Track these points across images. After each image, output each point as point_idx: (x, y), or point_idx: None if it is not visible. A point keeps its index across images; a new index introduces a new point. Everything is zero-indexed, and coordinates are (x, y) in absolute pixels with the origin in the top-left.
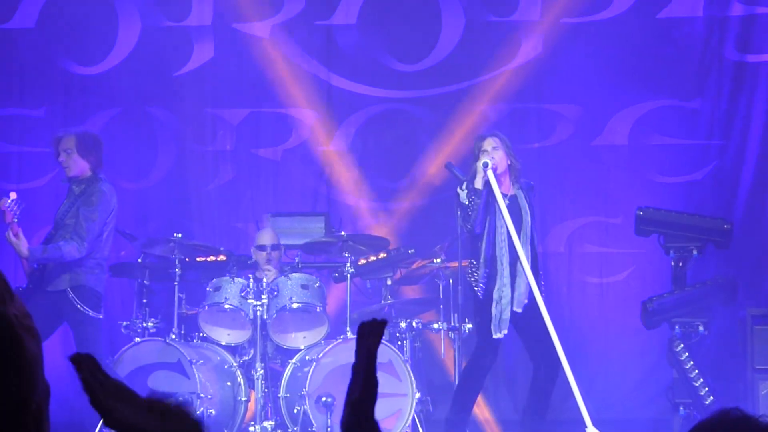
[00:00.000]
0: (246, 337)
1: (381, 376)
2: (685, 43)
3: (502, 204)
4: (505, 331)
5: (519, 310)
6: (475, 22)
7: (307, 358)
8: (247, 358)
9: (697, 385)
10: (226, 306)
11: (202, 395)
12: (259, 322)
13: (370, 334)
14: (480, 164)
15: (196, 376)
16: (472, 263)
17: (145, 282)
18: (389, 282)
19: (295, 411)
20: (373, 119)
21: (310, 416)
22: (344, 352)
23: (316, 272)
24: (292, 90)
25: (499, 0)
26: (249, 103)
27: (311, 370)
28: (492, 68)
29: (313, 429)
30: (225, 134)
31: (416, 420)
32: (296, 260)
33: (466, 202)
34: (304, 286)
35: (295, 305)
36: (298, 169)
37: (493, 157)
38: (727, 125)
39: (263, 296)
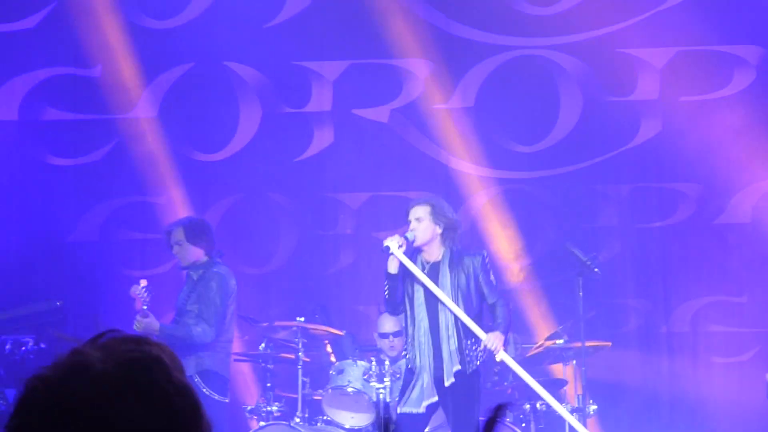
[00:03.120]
0: (369, 420)
1: None
2: None
3: (418, 273)
4: (434, 399)
5: (451, 380)
6: (593, 102)
7: None
8: None
9: None
10: (349, 389)
11: None
12: (382, 405)
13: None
14: (384, 247)
15: None
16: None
17: (268, 366)
18: None
19: None
20: (492, 200)
21: None
22: None
23: None
24: (411, 173)
25: (618, 80)
26: (369, 186)
27: None
28: (611, 148)
29: None
30: (345, 218)
31: None
32: None
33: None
34: None
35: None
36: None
37: (413, 229)
38: None
39: (386, 379)
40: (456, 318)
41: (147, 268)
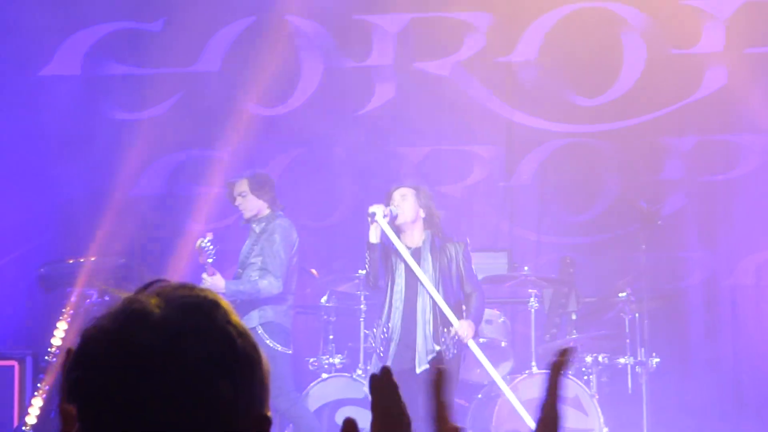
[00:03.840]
0: None
1: (568, 411)
2: None
3: (401, 246)
4: None
5: (424, 367)
6: (657, 54)
7: (492, 393)
8: None
9: None
10: None
11: None
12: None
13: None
14: (370, 212)
15: None
16: (377, 324)
17: (330, 319)
18: (574, 317)
19: None
20: (555, 154)
21: None
22: (529, 387)
23: (500, 307)
24: (473, 127)
25: (682, 32)
26: (431, 140)
27: (497, 405)
28: (675, 100)
29: None
30: (407, 172)
31: None
32: None
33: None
34: (488, 321)
35: (480, 340)
36: (479, 205)
37: (398, 206)
38: None
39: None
40: (434, 304)
41: (209, 222)
